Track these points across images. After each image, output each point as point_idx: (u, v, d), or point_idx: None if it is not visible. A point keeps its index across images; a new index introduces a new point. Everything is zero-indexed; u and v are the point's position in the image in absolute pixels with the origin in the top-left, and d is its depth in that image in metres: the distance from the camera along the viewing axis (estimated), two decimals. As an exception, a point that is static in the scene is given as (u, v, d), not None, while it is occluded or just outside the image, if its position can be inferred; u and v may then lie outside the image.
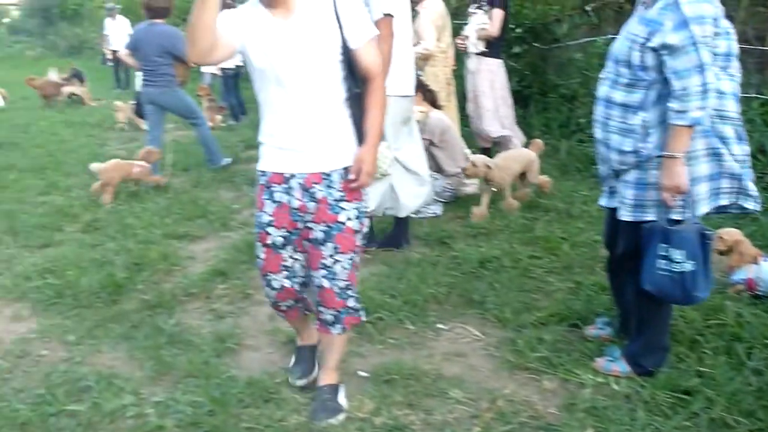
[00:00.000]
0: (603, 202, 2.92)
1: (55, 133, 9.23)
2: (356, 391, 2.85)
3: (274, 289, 2.62)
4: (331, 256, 2.48)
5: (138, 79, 13.28)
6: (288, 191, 2.44)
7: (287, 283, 2.61)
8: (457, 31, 6.22)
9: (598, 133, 2.76)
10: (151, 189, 5.94)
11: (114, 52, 13.62)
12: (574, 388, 2.84)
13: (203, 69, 10.43)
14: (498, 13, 5.63)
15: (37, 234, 5.00)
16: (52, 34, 31.04)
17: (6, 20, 61.06)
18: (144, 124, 7.37)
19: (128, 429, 2.73)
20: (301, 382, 2.84)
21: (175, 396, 2.88)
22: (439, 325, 3.40)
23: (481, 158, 4.83)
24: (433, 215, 4.93)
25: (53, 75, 12.34)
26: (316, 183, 2.42)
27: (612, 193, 2.83)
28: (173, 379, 3.04)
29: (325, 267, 2.49)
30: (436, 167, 5.07)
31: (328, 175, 2.42)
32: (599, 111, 2.73)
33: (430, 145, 5.01)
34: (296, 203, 2.43)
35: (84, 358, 3.27)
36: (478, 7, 5.72)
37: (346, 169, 2.43)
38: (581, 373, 2.89)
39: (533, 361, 3.00)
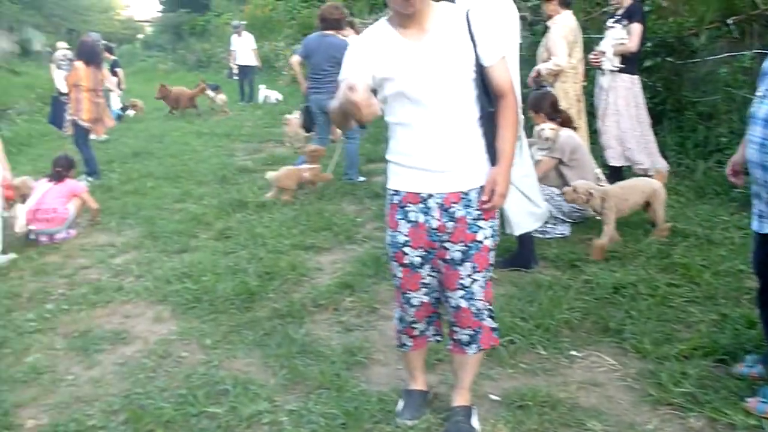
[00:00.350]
0: (755, 226, 2.72)
1: (186, 143, 9.77)
2: (489, 415, 2.79)
3: (413, 306, 2.60)
4: (468, 275, 2.44)
5: (261, 92, 13.93)
6: (426, 211, 2.41)
7: (426, 299, 2.59)
8: (587, 46, 6.04)
9: (753, 155, 2.57)
10: (278, 200, 6.14)
11: (239, 66, 14.29)
12: (724, 429, 2.65)
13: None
14: (637, 28, 5.41)
15: (174, 240, 5.29)
16: (182, 48, 32.99)
17: (140, 36, 65.52)
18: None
19: (263, 434, 2.81)
20: (411, 423, 2.76)
21: (308, 406, 2.93)
22: (573, 352, 3.27)
23: (583, 184, 4.51)
24: (561, 236, 4.79)
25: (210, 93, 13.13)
26: (454, 202, 2.39)
27: (765, 217, 2.63)
28: (305, 388, 3.09)
29: (463, 287, 2.46)
30: (564, 186, 4.93)
31: (466, 194, 2.39)
32: (756, 131, 2.54)
33: (559, 164, 4.88)
34: (435, 223, 2.40)
35: (221, 362, 3.40)
36: (616, 22, 5.52)
37: (482, 188, 2.40)
38: (731, 413, 2.68)
39: (677, 396, 2.82)
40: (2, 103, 20.64)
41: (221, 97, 13.10)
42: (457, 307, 2.49)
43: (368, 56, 2.35)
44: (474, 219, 2.40)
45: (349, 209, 5.79)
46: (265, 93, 14.05)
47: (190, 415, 2.95)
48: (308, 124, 7.38)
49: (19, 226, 5.46)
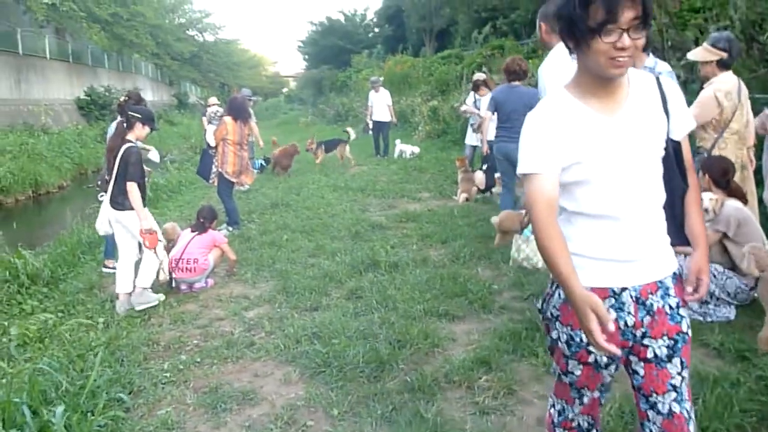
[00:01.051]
0: None
1: (322, 196, 9.94)
2: None
3: (583, 403, 2.27)
4: (678, 373, 2.07)
5: (397, 147, 14.06)
6: (619, 307, 2.05)
7: (597, 395, 2.26)
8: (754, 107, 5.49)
9: None
10: (411, 260, 6.00)
11: (374, 121, 14.57)
12: None
13: (466, 140, 10.57)
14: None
15: (306, 296, 5.26)
16: (322, 103, 34.51)
17: (285, 90, 69.57)
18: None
19: None
20: None
21: (439, 499, 2.68)
22: (750, 466, 2.80)
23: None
24: (725, 319, 4.26)
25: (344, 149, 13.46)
26: (652, 293, 2.04)
27: None
28: (435, 477, 2.84)
29: (674, 388, 2.08)
30: (729, 263, 4.41)
31: (662, 282, 2.06)
32: None
33: (723, 238, 4.38)
34: (630, 320, 2.05)
35: (347, 436, 3.23)
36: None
37: (676, 274, 2.07)
38: None
39: None
40: (160, 150, 22.35)
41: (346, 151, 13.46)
42: (670, 414, 2.10)
43: (555, 141, 1.98)
44: (674, 309, 2.05)
45: (484, 274, 5.52)
46: (401, 147, 14.18)
47: (313, 493, 2.78)
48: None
49: (163, 274, 5.66)
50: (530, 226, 4.21)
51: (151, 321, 5.14)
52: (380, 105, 14.46)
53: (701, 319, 4.27)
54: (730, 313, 4.35)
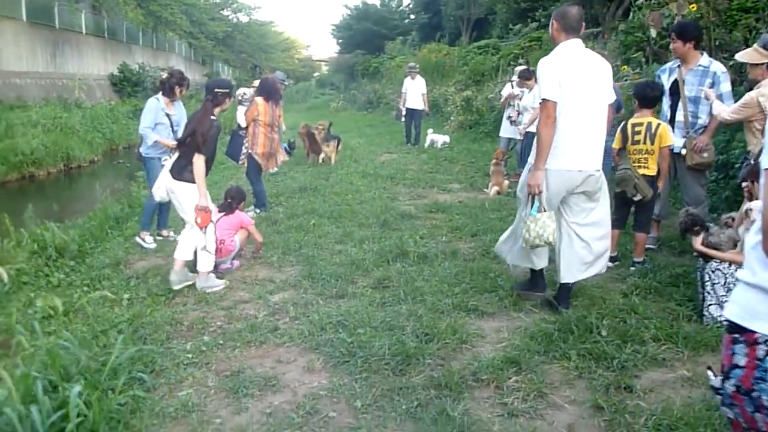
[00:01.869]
0: None
1: (351, 182, 9.84)
2: None
3: None
4: None
5: (428, 136, 13.88)
6: None
7: None
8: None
9: None
10: (440, 252, 5.88)
11: (408, 109, 14.39)
12: None
13: (501, 132, 10.39)
14: None
15: (332, 283, 5.16)
16: (354, 88, 34.34)
17: (316, 74, 69.56)
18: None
19: None
20: None
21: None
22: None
23: None
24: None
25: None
26: None
27: None
28: (460, 479, 2.74)
29: None
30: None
31: None
32: None
33: None
34: None
35: (369, 429, 3.13)
36: None
37: None
38: None
39: None
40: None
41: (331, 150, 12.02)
42: None
43: None
44: None
45: (515, 271, 5.38)
46: (432, 137, 14.00)
47: (333, 488, 2.69)
48: None
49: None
50: (536, 206, 4.32)
51: (176, 300, 5.10)
52: (414, 92, 14.28)
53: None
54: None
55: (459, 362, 3.76)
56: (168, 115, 6.55)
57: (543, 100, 4.22)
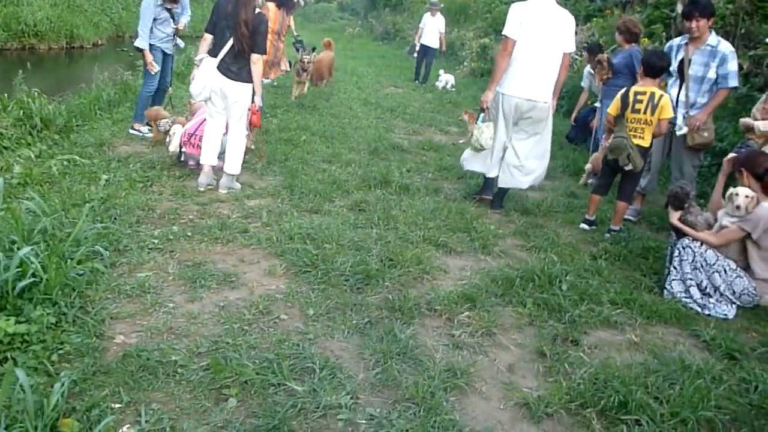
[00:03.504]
0: None
1: (350, 107, 9.73)
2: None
3: None
4: None
5: (441, 77, 13.62)
6: None
7: None
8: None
9: None
10: (423, 187, 5.87)
11: (422, 45, 14.09)
12: None
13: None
14: None
15: (310, 198, 5.17)
16: (373, 17, 33.54)
17: (339, -1, 67.69)
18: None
19: (336, 431, 2.56)
20: None
21: (391, 417, 2.65)
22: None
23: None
24: (723, 316, 4.13)
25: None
26: None
27: None
28: (393, 396, 2.81)
29: None
30: (743, 264, 4.25)
31: None
32: None
33: (747, 238, 4.20)
34: None
35: (316, 336, 3.19)
36: None
37: None
38: None
39: None
40: (201, 29, 21.98)
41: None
42: None
43: None
44: None
45: (492, 217, 5.39)
46: (445, 78, 13.70)
47: (270, 383, 2.76)
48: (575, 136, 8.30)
49: (173, 146, 5.58)
50: (482, 117, 5.35)
51: (152, 189, 5.10)
52: (432, 29, 13.96)
53: (699, 310, 4.14)
54: (729, 311, 4.20)
55: (416, 290, 3.80)
56: (167, 9, 6.43)
57: (504, 36, 5.22)
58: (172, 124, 5.88)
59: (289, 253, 4.07)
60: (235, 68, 5.04)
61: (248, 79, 5.06)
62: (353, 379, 2.89)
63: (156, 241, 4.07)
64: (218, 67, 5.04)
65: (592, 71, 7.77)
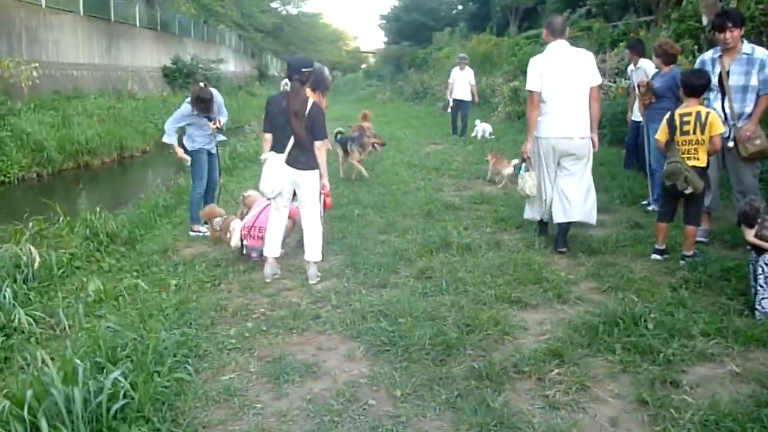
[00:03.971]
0: None
1: (396, 173, 9.82)
2: None
3: None
4: None
5: (478, 126, 13.68)
6: None
7: None
8: None
9: None
10: (484, 243, 5.83)
11: (455, 100, 14.25)
12: None
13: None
14: None
15: (374, 273, 5.17)
16: (400, 80, 34.23)
17: (364, 66, 69.62)
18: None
19: None
20: None
21: (501, 493, 2.55)
22: None
23: None
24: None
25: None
26: None
27: None
28: (499, 470, 2.71)
29: None
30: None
31: None
32: None
33: None
34: None
35: (409, 418, 3.13)
36: None
37: None
38: None
39: None
40: (239, 120, 22.85)
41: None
42: None
43: None
44: None
45: (560, 263, 5.29)
46: (482, 126, 13.78)
47: (371, 475, 2.70)
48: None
49: (234, 240, 5.70)
50: (523, 167, 5.80)
51: (221, 287, 5.18)
52: (462, 83, 14.15)
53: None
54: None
55: (500, 353, 3.72)
56: (200, 115, 6.69)
57: (528, 91, 5.62)
58: (226, 221, 6.02)
59: (365, 334, 4.05)
60: (303, 159, 5.17)
61: (316, 166, 5.19)
62: (454, 458, 2.81)
63: (234, 341, 4.10)
64: (287, 162, 5.18)
65: (634, 67, 7.74)
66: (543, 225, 5.96)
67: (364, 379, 3.53)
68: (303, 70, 5.25)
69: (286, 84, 5.67)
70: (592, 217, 5.66)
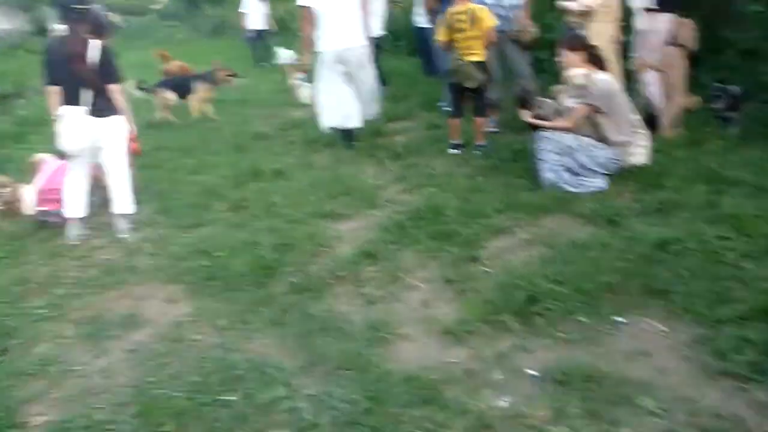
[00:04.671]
0: None
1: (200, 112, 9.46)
2: (526, 393, 2.54)
3: None
4: None
5: (282, 56, 13.41)
6: None
7: None
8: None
9: None
10: (295, 165, 5.88)
11: (254, 31, 13.87)
12: (796, 402, 2.35)
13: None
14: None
15: (188, 214, 5.06)
16: (198, 16, 32.48)
17: (156, 7, 64.97)
18: None
19: (282, 423, 2.60)
20: None
21: (329, 390, 2.71)
22: (617, 318, 2.98)
23: None
24: (598, 189, 4.44)
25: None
26: None
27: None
28: (325, 370, 2.87)
29: None
30: (599, 136, 4.56)
31: None
32: None
33: (595, 112, 4.50)
34: None
35: (235, 344, 3.19)
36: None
37: None
38: (804, 382, 2.39)
39: (740, 366, 2.52)
40: (20, 83, 20.56)
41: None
42: None
43: None
44: None
45: (368, 172, 5.49)
46: (285, 54, 13.50)
47: (203, 404, 2.75)
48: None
49: (28, 208, 5.28)
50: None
51: (21, 260, 4.81)
52: (256, 14, 13.76)
53: (575, 190, 4.43)
54: (602, 183, 4.53)
55: (318, 265, 3.85)
56: None
57: (299, 6, 5.84)
58: (14, 191, 5.52)
59: (184, 274, 4.00)
60: (104, 105, 4.73)
61: (118, 111, 4.81)
62: (283, 369, 2.92)
63: (44, 311, 3.86)
64: (90, 111, 4.75)
65: None
66: (347, 134, 6.21)
67: (188, 318, 3.51)
68: (74, 7, 4.80)
69: (58, 29, 5.14)
70: (373, 110, 6.23)
